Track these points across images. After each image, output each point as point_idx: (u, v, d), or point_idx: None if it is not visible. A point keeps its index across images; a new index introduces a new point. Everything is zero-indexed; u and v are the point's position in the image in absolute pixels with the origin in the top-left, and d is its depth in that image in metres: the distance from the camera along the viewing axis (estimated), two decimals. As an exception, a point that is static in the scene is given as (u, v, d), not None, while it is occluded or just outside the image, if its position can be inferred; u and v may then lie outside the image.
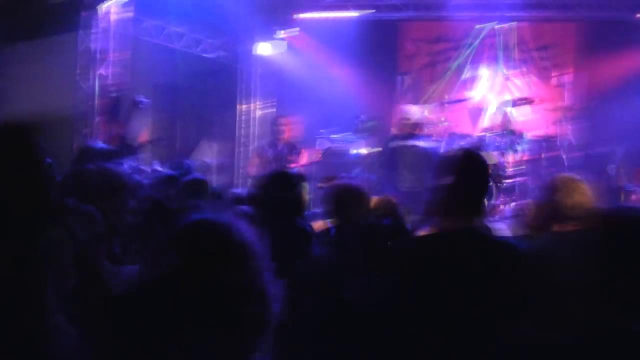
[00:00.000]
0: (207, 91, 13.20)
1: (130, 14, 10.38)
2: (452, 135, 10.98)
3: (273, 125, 10.23)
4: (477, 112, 12.96)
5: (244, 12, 12.85)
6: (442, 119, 11.34)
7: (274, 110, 13.35)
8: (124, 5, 10.21)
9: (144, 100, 9.11)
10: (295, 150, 9.86)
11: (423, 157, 8.19)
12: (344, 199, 4.31)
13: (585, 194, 3.73)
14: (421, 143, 8.46)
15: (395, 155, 8.44)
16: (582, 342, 2.13)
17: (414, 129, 8.66)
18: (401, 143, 8.57)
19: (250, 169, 10.00)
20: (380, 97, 13.06)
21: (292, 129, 9.91)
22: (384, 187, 8.30)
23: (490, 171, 3.25)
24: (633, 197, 9.59)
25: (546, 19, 12.81)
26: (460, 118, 12.68)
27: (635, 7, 12.03)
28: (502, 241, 3.22)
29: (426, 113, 11.13)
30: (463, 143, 10.66)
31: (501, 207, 10.19)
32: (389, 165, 8.74)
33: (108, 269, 3.47)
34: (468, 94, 13.24)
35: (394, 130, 9.05)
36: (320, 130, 12.36)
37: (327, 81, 13.02)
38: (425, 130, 8.92)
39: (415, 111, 8.77)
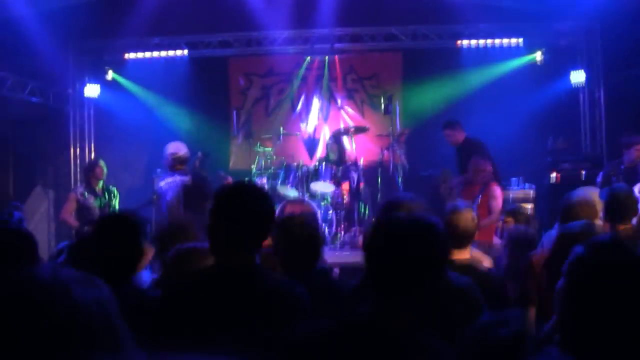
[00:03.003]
0: (38, 136, 12.70)
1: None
2: (288, 167, 11.12)
3: (88, 170, 9.90)
4: (312, 142, 13.17)
5: (72, 53, 12.54)
6: (274, 150, 11.55)
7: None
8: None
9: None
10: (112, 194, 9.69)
11: (196, 191, 8.36)
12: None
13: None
14: (188, 178, 8.59)
15: (167, 192, 8.55)
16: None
17: (182, 164, 8.75)
18: (170, 179, 8.66)
19: (64, 216, 9.58)
20: (216, 133, 13.02)
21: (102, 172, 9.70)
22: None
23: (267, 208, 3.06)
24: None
25: (373, 49, 13.22)
26: (296, 149, 12.84)
27: (455, 35, 12.69)
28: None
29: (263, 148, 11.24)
30: (299, 173, 10.83)
31: (340, 234, 10.35)
32: (163, 200, 8.76)
33: None
34: (302, 125, 13.42)
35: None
36: (157, 170, 12.16)
37: (161, 121, 12.87)
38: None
39: (182, 147, 8.82)
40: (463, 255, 4.33)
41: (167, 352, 2.01)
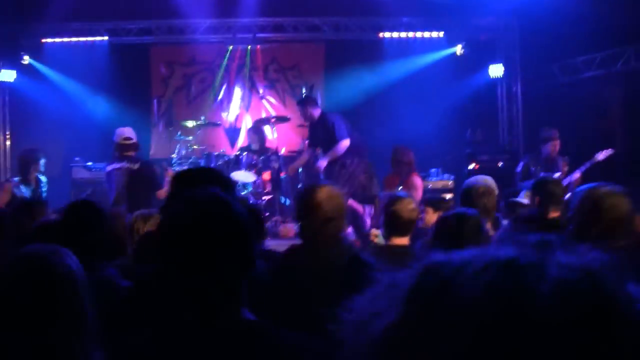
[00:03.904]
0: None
1: None
2: (209, 156, 11.05)
3: (29, 161, 9.25)
4: (233, 131, 13.10)
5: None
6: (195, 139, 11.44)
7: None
8: None
9: None
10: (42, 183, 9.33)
11: (143, 179, 8.14)
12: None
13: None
14: (137, 165, 8.36)
15: (118, 177, 8.27)
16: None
17: (133, 150, 8.52)
18: (117, 165, 8.41)
19: None
20: (136, 121, 12.78)
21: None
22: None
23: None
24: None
25: (296, 40, 13.22)
26: (217, 138, 12.77)
27: (377, 28, 12.80)
28: None
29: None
30: (220, 162, 10.78)
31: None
32: (110, 187, 8.50)
33: None
34: (224, 114, 13.35)
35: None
36: (75, 159, 11.95)
37: (79, 108, 12.61)
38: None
39: (132, 132, 8.59)
40: (403, 241, 4.46)
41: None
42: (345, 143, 9.29)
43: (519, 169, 9.79)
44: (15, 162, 11.29)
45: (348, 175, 9.38)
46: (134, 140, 8.50)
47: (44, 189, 9.26)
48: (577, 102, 11.13)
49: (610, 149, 9.10)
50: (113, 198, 8.34)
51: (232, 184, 3.04)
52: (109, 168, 8.40)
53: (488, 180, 5.46)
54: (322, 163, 9.50)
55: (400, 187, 8.86)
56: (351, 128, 9.68)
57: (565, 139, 9.59)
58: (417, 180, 9.15)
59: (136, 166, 8.27)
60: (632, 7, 9.32)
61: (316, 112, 9.77)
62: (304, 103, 10.02)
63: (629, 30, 10.36)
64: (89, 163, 11.77)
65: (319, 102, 11.41)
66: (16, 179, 9.16)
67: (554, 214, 5.19)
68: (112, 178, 8.34)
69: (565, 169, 9.42)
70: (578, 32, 10.50)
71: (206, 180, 2.93)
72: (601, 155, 9.01)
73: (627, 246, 3.49)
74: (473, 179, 5.48)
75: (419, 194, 8.92)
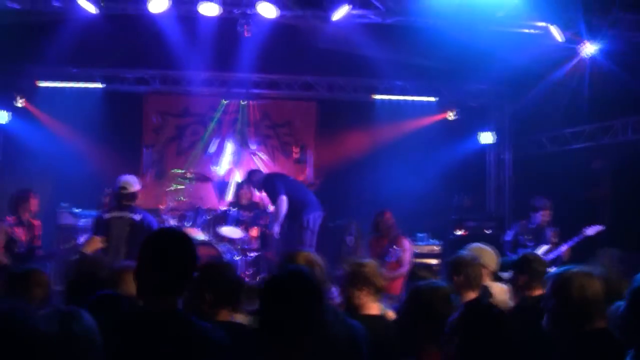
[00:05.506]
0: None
1: None
2: (198, 209, 10.98)
3: (21, 201, 9.07)
4: (223, 186, 13.09)
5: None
6: (184, 192, 11.37)
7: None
8: None
9: None
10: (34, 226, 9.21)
11: (137, 230, 7.89)
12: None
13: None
14: (137, 215, 8.11)
15: (110, 227, 7.99)
16: None
17: (131, 200, 8.27)
18: (117, 215, 8.14)
19: None
20: (125, 170, 12.69)
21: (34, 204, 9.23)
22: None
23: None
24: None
25: (289, 97, 13.32)
26: (206, 192, 12.75)
27: (370, 89, 12.93)
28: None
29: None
30: (208, 217, 10.72)
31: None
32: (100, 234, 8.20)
33: None
34: (214, 167, 13.36)
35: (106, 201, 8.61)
36: (62, 204, 11.87)
37: (69, 153, 12.58)
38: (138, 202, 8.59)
39: (133, 181, 8.38)
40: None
41: None
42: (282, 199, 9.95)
43: (508, 237, 9.81)
44: (2, 203, 11.24)
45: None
46: (131, 190, 8.27)
47: (38, 233, 9.18)
48: (566, 172, 11.22)
49: (600, 226, 9.07)
50: (107, 247, 8.05)
51: (192, 243, 3.17)
52: (107, 216, 8.16)
53: (479, 250, 5.49)
54: (275, 229, 10.14)
55: (390, 250, 8.90)
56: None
57: (553, 209, 9.64)
58: (406, 243, 9.19)
59: (138, 217, 8.06)
60: (618, 82, 9.47)
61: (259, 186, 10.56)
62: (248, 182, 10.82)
63: (616, 103, 10.52)
64: (76, 209, 11.69)
65: (310, 160, 11.51)
66: (9, 219, 9.04)
67: (537, 292, 5.16)
68: (110, 226, 8.07)
69: (555, 240, 9.44)
70: (566, 104, 10.66)
71: (168, 243, 3.12)
72: (590, 231, 9.00)
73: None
74: (468, 247, 5.51)
75: (408, 256, 8.98)
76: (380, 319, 4.35)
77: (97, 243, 7.52)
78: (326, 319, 2.78)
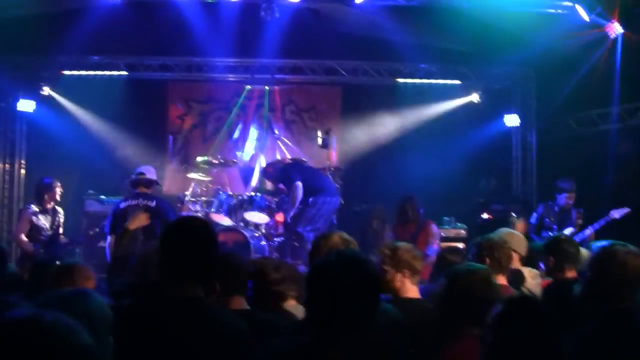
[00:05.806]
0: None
1: None
2: (223, 195, 10.98)
3: (44, 189, 9.20)
4: (248, 171, 13.08)
5: (7, 68, 12.25)
6: (209, 177, 11.36)
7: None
8: None
9: None
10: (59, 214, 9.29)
11: (152, 216, 7.85)
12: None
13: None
14: (152, 202, 8.07)
15: (127, 216, 7.96)
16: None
17: (146, 187, 8.26)
18: (133, 202, 8.13)
19: (19, 236, 9.05)
20: (150, 157, 12.79)
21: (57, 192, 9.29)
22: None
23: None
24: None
25: (313, 82, 13.30)
26: (231, 177, 12.76)
27: (394, 73, 12.85)
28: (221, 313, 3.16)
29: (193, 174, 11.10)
30: (234, 202, 10.73)
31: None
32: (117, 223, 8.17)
33: None
34: (239, 153, 13.37)
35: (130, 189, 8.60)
36: (89, 191, 11.96)
37: (95, 141, 12.67)
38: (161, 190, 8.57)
39: (149, 170, 8.37)
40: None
41: None
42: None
43: (533, 220, 9.75)
44: (28, 191, 11.32)
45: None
46: (147, 176, 8.29)
47: (61, 220, 9.29)
48: (593, 155, 11.10)
49: (627, 208, 8.96)
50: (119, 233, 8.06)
51: (212, 231, 3.22)
52: (123, 205, 8.19)
53: (509, 235, 5.43)
54: (291, 215, 10.24)
55: (419, 236, 8.85)
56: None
57: (578, 191, 9.56)
58: (434, 228, 9.14)
59: (152, 204, 8.07)
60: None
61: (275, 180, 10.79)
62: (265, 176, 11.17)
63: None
64: (103, 196, 11.78)
65: (334, 145, 11.48)
66: (33, 206, 9.16)
67: (569, 274, 5.10)
68: (127, 215, 8.09)
69: (579, 222, 9.36)
70: (594, 85, 10.53)
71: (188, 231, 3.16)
72: (617, 214, 8.89)
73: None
74: (497, 231, 5.45)
75: (437, 241, 8.95)
76: (420, 302, 4.30)
77: (143, 220, 7.55)
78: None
